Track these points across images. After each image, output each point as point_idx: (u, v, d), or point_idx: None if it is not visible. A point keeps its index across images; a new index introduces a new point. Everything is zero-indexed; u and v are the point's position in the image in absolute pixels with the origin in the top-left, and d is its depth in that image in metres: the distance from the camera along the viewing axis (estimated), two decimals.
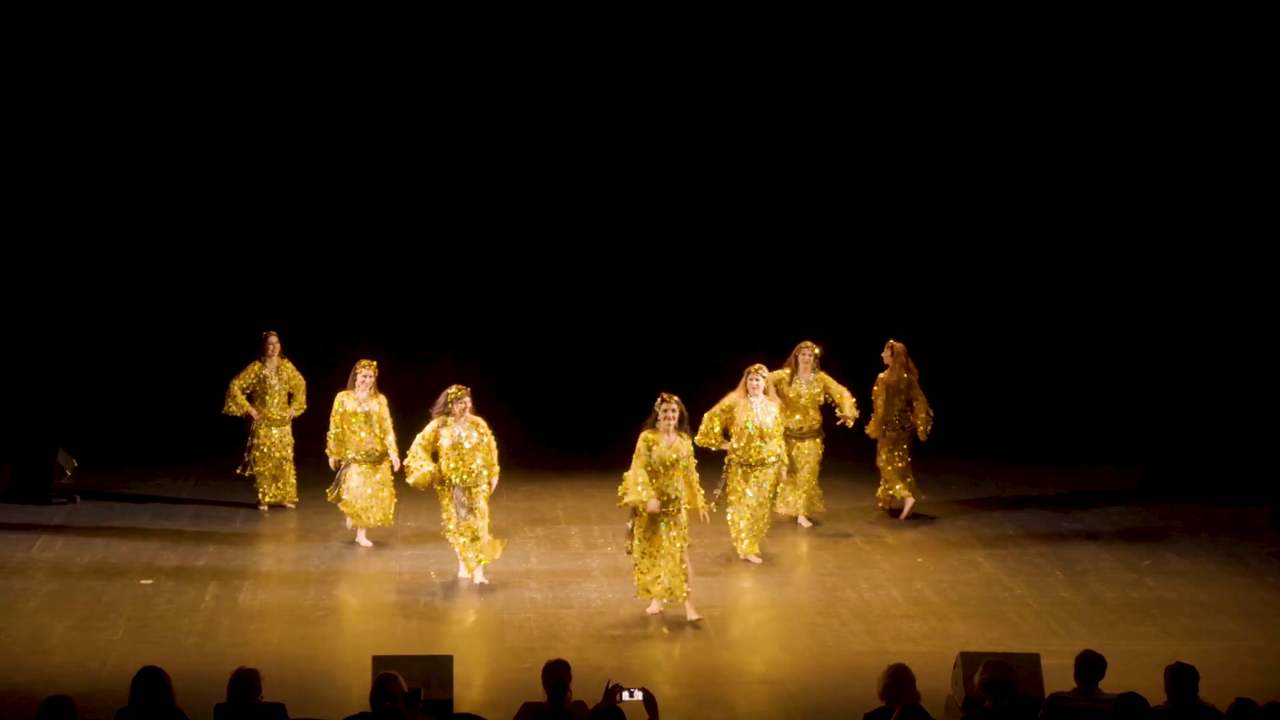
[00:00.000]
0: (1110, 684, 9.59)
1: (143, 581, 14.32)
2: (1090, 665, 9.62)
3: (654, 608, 13.30)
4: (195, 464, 18.26)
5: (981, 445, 18.95)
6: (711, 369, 16.82)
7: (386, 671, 9.17)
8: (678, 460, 13.14)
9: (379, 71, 19.98)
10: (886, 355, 16.23)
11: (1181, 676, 9.26)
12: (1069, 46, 19.10)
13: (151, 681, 8.87)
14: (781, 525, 15.84)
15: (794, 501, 15.92)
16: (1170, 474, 17.41)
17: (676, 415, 13.18)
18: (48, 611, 13.42)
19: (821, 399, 15.86)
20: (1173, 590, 14.26)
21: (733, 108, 20.35)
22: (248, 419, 16.53)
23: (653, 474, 13.11)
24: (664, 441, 13.14)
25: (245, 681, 9.09)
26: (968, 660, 10.87)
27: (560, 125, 20.42)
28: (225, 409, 16.50)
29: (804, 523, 15.97)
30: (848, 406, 15.83)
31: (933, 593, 14.18)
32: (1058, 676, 10.58)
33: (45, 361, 17.28)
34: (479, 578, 14.08)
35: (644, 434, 13.20)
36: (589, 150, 20.50)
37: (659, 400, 13.25)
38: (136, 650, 12.25)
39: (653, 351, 20.32)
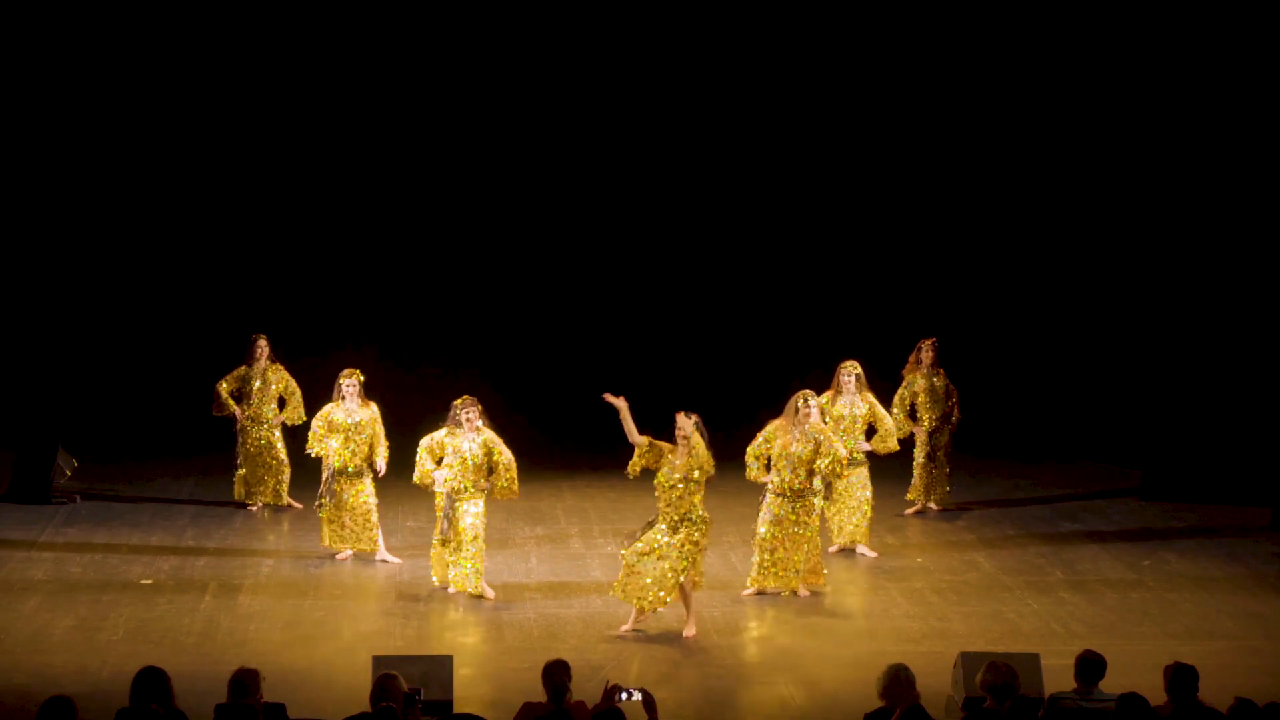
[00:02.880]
0: (1110, 684, 9.60)
1: (143, 581, 14.32)
2: (1090, 665, 9.62)
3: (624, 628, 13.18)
4: (195, 464, 18.26)
5: (982, 445, 18.93)
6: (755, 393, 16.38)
7: (386, 671, 9.17)
8: (676, 481, 12.90)
9: (381, 73, 19.98)
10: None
11: (1181, 676, 9.26)
12: (1072, 51, 19.10)
13: (151, 681, 8.88)
14: None
15: (848, 531, 15.16)
16: (1170, 474, 17.40)
17: (685, 433, 12.88)
18: (48, 611, 13.42)
19: (866, 422, 15.19)
20: (1173, 590, 14.26)
21: (747, 123, 20.37)
22: (234, 420, 16.56)
23: (659, 490, 13.01)
24: (674, 460, 12.96)
25: (245, 682, 9.10)
26: (968, 660, 10.87)
27: (568, 127, 20.42)
28: (213, 410, 16.57)
29: (866, 552, 15.19)
30: (887, 438, 15.18)
31: (933, 593, 14.18)
32: (1058, 676, 10.60)
33: (46, 362, 17.27)
34: (451, 587, 13.92)
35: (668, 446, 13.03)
36: (600, 155, 20.50)
37: (677, 418, 12.99)
38: (136, 650, 12.24)
39: (654, 350, 20.35)
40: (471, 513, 13.79)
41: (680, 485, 12.92)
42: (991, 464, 18.75)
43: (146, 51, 19.27)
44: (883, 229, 20.54)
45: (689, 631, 13.02)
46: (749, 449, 13.98)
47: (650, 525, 13.10)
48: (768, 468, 13.98)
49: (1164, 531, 16.22)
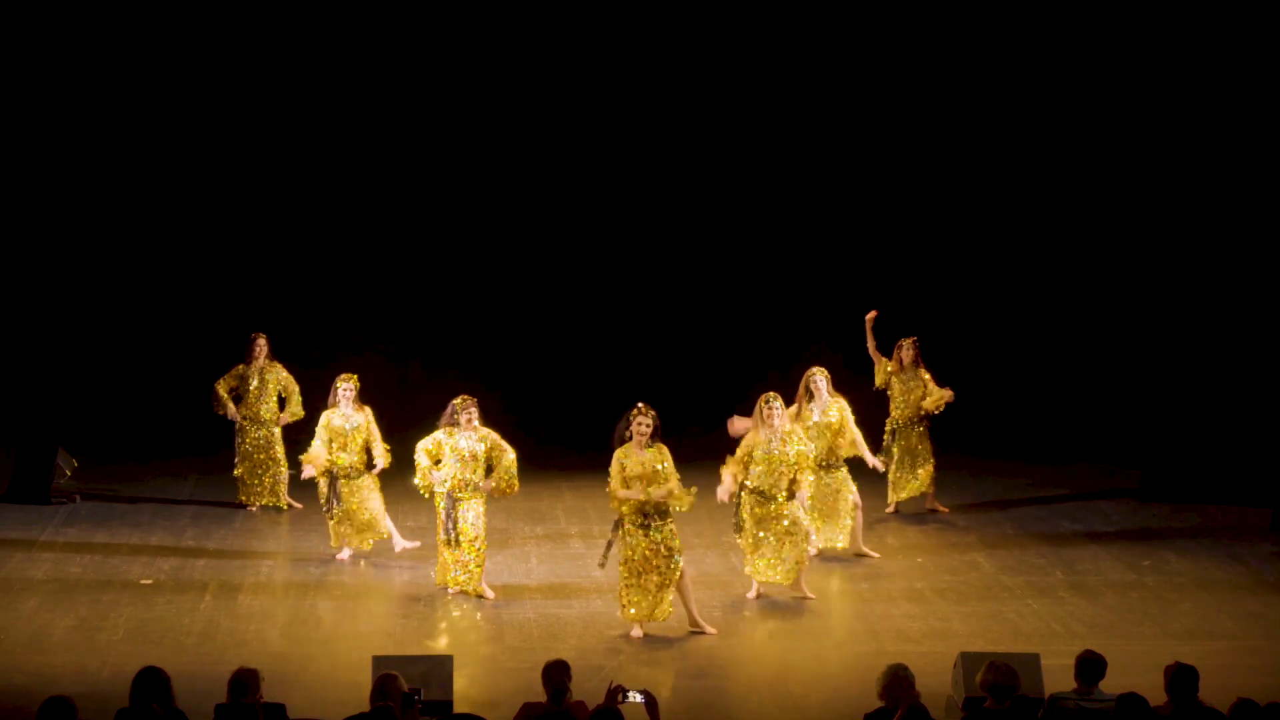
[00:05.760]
0: (1110, 684, 9.60)
1: (143, 581, 14.32)
2: (1090, 665, 9.62)
3: (636, 632, 13.04)
4: (194, 464, 18.26)
5: (982, 445, 18.94)
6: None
7: (386, 671, 9.18)
8: (655, 472, 12.85)
9: (378, 74, 19.99)
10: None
11: (1181, 676, 9.27)
12: (1071, 49, 19.12)
13: (151, 681, 8.88)
14: None
15: (830, 535, 15.04)
16: (1170, 474, 17.40)
17: (651, 429, 12.87)
18: (48, 611, 13.42)
19: (840, 427, 14.96)
20: (1173, 590, 14.25)
21: (740, 116, 20.37)
22: (234, 419, 16.57)
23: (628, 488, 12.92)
24: (637, 456, 12.88)
25: (245, 682, 9.11)
26: (968, 660, 10.87)
27: (563, 126, 20.43)
28: (214, 408, 16.56)
29: (869, 553, 15.12)
30: (857, 446, 15.03)
31: (933, 593, 14.18)
32: (1058, 676, 10.60)
33: (46, 362, 17.27)
34: (452, 589, 13.96)
35: (617, 452, 12.92)
36: (596, 153, 20.51)
37: (634, 412, 12.95)
38: (136, 650, 12.25)
39: (652, 347, 20.37)
40: (473, 512, 13.79)
41: (651, 480, 12.88)
42: (991, 464, 18.73)
43: (147, 52, 19.27)
44: (882, 227, 20.54)
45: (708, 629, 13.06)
46: (731, 462, 13.72)
47: (616, 529, 13.05)
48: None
49: (1164, 531, 16.21)
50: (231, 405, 16.54)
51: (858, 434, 15.11)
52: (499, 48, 20.06)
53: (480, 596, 13.83)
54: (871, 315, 16.29)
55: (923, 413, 16.35)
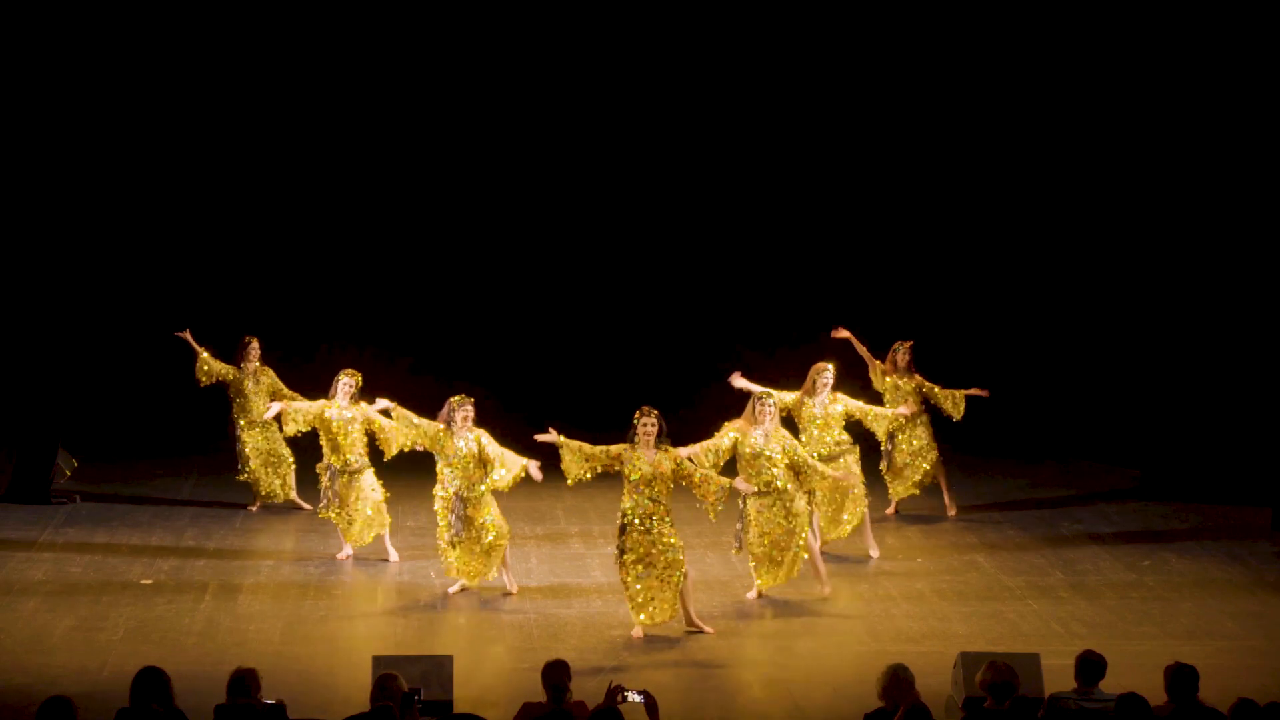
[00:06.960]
0: (1110, 684, 9.61)
1: (143, 581, 14.32)
2: (1090, 665, 9.63)
3: (636, 632, 13.03)
4: (195, 464, 18.26)
5: (982, 445, 18.94)
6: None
7: (386, 671, 9.18)
8: (658, 476, 12.82)
9: (372, 72, 20.00)
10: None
11: (1181, 676, 9.27)
12: (1070, 48, 19.10)
13: (151, 681, 8.88)
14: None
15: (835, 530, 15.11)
16: (1170, 474, 17.41)
17: (655, 430, 12.81)
18: (48, 611, 13.42)
19: (845, 418, 15.02)
20: (1173, 590, 14.25)
21: (736, 112, 20.37)
22: (231, 425, 16.54)
23: (631, 490, 12.88)
24: (645, 457, 12.85)
25: (244, 682, 9.11)
26: (968, 660, 10.87)
27: (559, 122, 20.44)
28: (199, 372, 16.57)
29: (870, 551, 15.19)
30: (883, 417, 15.24)
31: (933, 593, 14.18)
32: (1058, 676, 10.60)
33: (45, 362, 17.28)
34: (452, 588, 13.99)
35: (623, 446, 12.89)
36: (591, 149, 20.52)
37: (637, 415, 12.90)
38: (136, 650, 12.25)
39: (651, 345, 20.37)
40: (488, 505, 13.81)
41: (655, 483, 12.82)
42: (991, 464, 18.75)
43: (146, 54, 19.27)
44: (882, 227, 20.53)
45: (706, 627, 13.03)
46: (711, 446, 13.58)
47: (623, 530, 13.01)
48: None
49: (1164, 531, 16.21)
50: (214, 364, 16.51)
51: (871, 408, 15.19)
52: (494, 46, 20.06)
53: (507, 593, 13.85)
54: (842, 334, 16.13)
55: (916, 410, 16.34)
